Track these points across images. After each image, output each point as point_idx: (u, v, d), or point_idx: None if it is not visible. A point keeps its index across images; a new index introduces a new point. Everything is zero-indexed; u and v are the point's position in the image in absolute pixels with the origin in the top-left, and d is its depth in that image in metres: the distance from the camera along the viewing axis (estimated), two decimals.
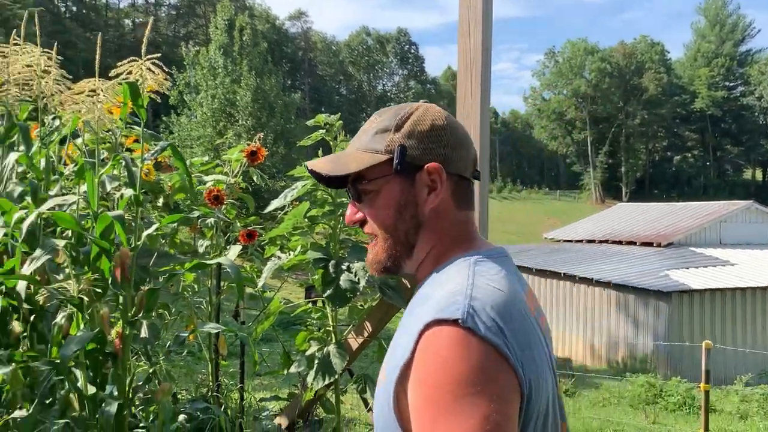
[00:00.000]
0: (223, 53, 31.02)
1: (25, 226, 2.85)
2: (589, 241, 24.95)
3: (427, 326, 0.92)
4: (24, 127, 3.47)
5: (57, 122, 3.54)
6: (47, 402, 3.01)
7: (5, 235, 3.03)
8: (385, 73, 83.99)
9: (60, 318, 2.81)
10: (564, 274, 19.10)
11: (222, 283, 4.24)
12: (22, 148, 3.62)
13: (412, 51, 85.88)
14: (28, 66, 3.43)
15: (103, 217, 2.77)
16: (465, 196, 1.13)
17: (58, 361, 2.64)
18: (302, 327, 4.07)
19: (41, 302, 2.97)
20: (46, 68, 3.28)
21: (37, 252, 2.87)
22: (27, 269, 2.74)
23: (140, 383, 2.94)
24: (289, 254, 3.69)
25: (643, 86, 78.02)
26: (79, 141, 4.30)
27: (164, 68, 2.99)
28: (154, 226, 2.88)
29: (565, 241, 26.53)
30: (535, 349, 0.95)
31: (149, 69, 2.89)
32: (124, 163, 3.01)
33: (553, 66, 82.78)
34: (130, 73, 2.94)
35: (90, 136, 3.88)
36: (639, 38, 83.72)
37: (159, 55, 2.97)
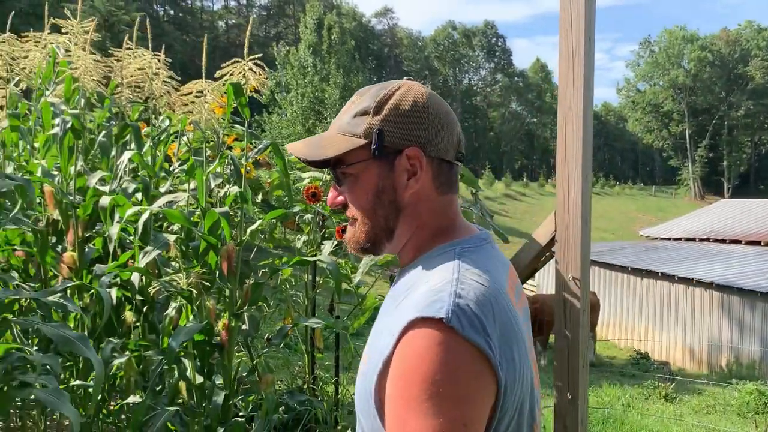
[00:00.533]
0: (312, 52, 31.71)
1: (141, 222, 3.00)
2: (689, 240, 23.73)
3: (411, 324, 0.91)
4: (136, 127, 3.66)
5: (166, 122, 3.72)
6: (158, 389, 3.16)
7: (122, 230, 3.21)
8: (472, 67, 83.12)
9: (171, 310, 2.94)
10: (661, 273, 18.24)
11: (318, 278, 4.32)
12: (133, 146, 3.83)
13: (499, 44, 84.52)
14: (139, 69, 3.61)
15: (211, 214, 2.87)
16: (447, 180, 1.10)
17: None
18: None
19: (152, 294, 3.13)
20: (157, 70, 3.45)
21: (150, 246, 3.02)
22: (141, 262, 2.89)
23: (244, 374, 3.04)
24: None
25: (749, 75, 73.43)
26: (184, 139, 4.49)
27: (265, 68, 3.07)
28: (257, 222, 2.96)
29: (662, 239, 25.36)
30: (515, 345, 0.94)
31: (251, 69, 2.97)
32: (229, 162, 3.11)
33: (649, 56, 79.22)
34: (231, 74, 3.03)
35: (195, 135, 4.05)
36: (744, 24, 78.80)
37: (260, 55, 3.05)
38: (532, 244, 3.48)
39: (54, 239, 3.49)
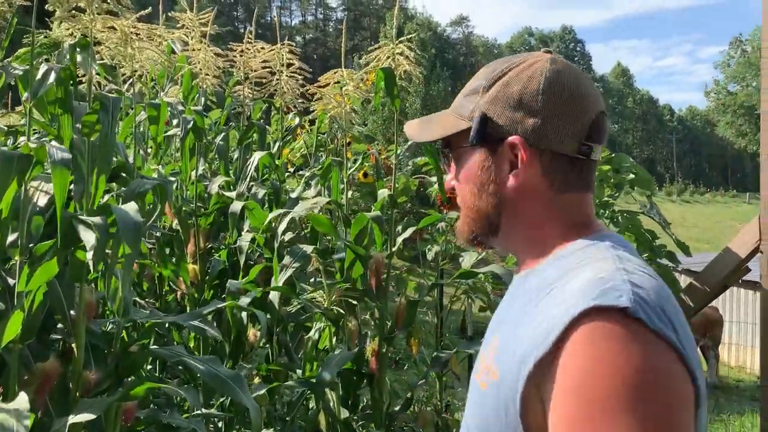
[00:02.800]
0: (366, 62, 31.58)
1: (280, 230, 2.63)
2: None
3: (584, 314, 0.74)
4: (262, 127, 3.33)
5: (297, 120, 3.39)
6: (287, 419, 2.78)
7: (252, 241, 2.87)
8: None
9: (314, 332, 2.55)
10: None
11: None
12: (252, 146, 3.52)
13: (578, 49, 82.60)
14: (264, 62, 3.29)
15: (359, 219, 2.47)
16: (566, 176, 0.93)
17: (314, 380, 2.37)
18: None
19: (283, 313, 2.76)
20: (289, 60, 3.10)
21: (287, 259, 2.66)
22: (279, 279, 2.52)
23: (395, 408, 2.61)
24: None
25: None
26: (301, 141, 4.15)
27: (416, 50, 2.65)
28: (410, 230, 2.55)
29: None
30: (694, 349, 0.79)
31: (401, 54, 2.57)
32: (370, 162, 2.71)
33: (740, 56, 75.26)
34: (378, 59, 2.64)
35: (314, 134, 3.70)
36: None
37: (414, 34, 2.64)
38: (727, 255, 2.91)
39: (168, 250, 3.18)
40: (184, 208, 3.00)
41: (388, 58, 2.52)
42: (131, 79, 3.38)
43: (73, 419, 1.68)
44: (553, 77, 0.93)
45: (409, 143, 2.70)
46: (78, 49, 1.95)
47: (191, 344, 3.02)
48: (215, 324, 2.60)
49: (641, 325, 0.73)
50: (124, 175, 2.06)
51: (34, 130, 2.35)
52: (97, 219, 1.56)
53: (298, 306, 2.56)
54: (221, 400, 2.57)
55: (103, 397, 1.77)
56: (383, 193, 2.56)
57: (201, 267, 3.06)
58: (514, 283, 1.02)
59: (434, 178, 3.65)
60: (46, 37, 2.45)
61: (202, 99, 3.28)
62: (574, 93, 0.93)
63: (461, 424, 1.00)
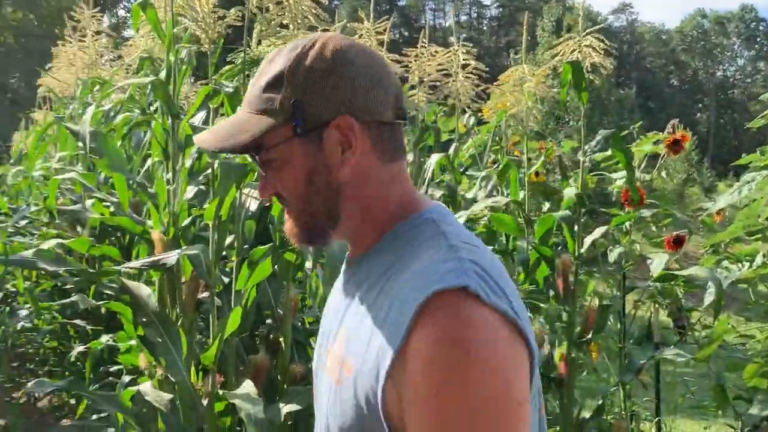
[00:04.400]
0: (551, 56, 30.65)
1: None
2: None
3: (427, 300, 0.75)
4: (436, 129, 3.37)
5: (472, 120, 3.39)
6: None
7: None
8: (726, 57, 74.52)
9: None
10: None
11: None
12: (408, 150, 3.57)
13: (761, 28, 74.73)
14: (439, 65, 3.33)
15: (546, 219, 2.41)
16: (391, 145, 0.90)
17: None
18: (743, 356, 3.22)
19: None
20: (464, 61, 3.12)
21: None
22: None
23: (585, 416, 2.52)
24: (743, 265, 2.92)
25: None
26: (466, 145, 4.14)
27: (605, 41, 2.53)
28: (599, 230, 2.44)
29: None
30: (526, 313, 0.83)
31: (589, 46, 2.47)
32: (554, 159, 2.64)
33: None
34: (563, 53, 2.56)
35: (486, 131, 3.68)
36: None
37: (602, 26, 2.54)
38: None
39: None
40: None
41: (574, 51, 2.44)
42: None
43: (284, 408, 1.79)
44: (355, 49, 0.90)
45: (598, 137, 2.58)
46: None
47: None
48: None
49: (479, 301, 0.76)
50: None
51: None
52: None
53: None
54: None
55: (307, 388, 1.88)
56: (570, 192, 2.48)
57: None
58: (346, 269, 0.98)
59: (617, 174, 3.47)
60: (246, 54, 2.66)
61: None
62: (377, 61, 0.91)
63: (316, 424, 0.96)
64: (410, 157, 3.66)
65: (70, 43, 4.42)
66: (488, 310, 0.76)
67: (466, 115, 3.45)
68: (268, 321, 2.18)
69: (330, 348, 0.91)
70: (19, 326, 3.58)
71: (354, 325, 0.87)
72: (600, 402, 2.55)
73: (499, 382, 0.75)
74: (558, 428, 2.61)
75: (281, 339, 2.04)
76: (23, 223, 4.36)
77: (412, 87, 3.57)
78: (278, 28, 2.03)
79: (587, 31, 2.47)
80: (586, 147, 2.54)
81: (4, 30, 20.29)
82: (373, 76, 0.89)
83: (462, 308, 0.76)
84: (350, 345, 0.86)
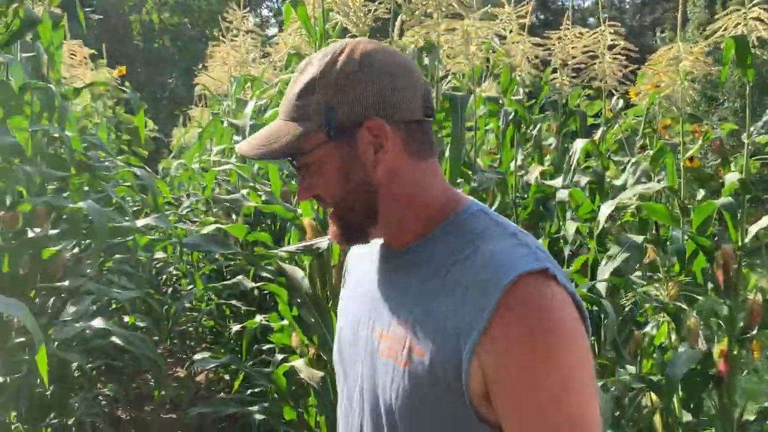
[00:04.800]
0: (700, 32, 28.41)
1: (602, 218, 2.56)
2: None
3: (513, 282, 0.82)
4: (582, 113, 3.25)
5: (620, 103, 3.25)
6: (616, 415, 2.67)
7: (577, 231, 2.83)
8: None
9: (650, 327, 2.42)
10: None
11: None
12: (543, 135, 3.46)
13: None
14: (585, 47, 3.20)
15: (704, 207, 2.25)
16: (421, 143, 0.94)
17: (653, 378, 2.24)
18: None
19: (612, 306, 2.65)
20: (612, 42, 2.98)
21: (614, 249, 2.56)
22: (605, 270, 2.44)
23: (749, 418, 2.34)
24: None
25: None
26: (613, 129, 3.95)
27: None
28: (766, 219, 2.25)
29: None
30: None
31: (757, 18, 2.27)
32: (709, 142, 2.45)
33: None
34: (725, 28, 2.37)
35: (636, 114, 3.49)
36: None
37: None
38: None
39: None
40: (505, 199, 3.07)
41: (738, 24, 2.25)
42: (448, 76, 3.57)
43: None
44: (382, 52, 0.93)
45: (766, 118, 2.37)
46: (424, 53, 2.10)
47: None
48: None
49: (556, 281, 0.84)
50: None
51: None
52: None
53: (632, 299, 2.44)
54: None
55: None
56: (732, 177, 2.30)
57: None
58: (388, 258, 1.00)
59: None
60: (391, 45, 2.72)
61: (521, 90, 3.32)
62: (403, 62, 0.94)
63: (351, 408, 1.00)
64: (552, 142, 3.57)
65: (224, 42, 4.73)
66: (563, 291, 0.84)
67: (614, 98, 3.30)
68: None
69: (382, 332, 0.94)
70: (182, 306, 3.91)
71: (419, 309, 0.90)
72: (766, 404, 2.35)
73: (580, 360, 0.83)
74: (714, 430, 2.45)
75: None
76: (185, 211, 4.76)
77: (554, 70, 3.47)
78: (422, 17, 2.05)
79: (754, 2, 2.26)
80: (752, 129, 2.34)
81: (162, 34, 22.12)
82: (400, 77, 0.92)
83: (546, 289, 0.83)
84: (417, 328, 0.89)
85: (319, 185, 0.95)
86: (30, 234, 2.10)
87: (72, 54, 4.23)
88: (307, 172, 0.95)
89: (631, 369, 2.53)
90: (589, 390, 0.84)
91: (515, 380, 0.82)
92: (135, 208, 3.98)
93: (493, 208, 2.09)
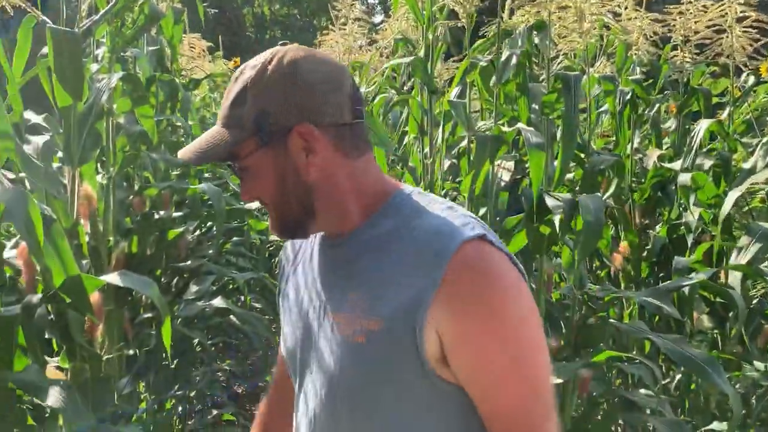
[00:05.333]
0: None
1: (727, 205, 2.39)
2: None
3: (458, 249, 0.89)
4: (706, 92, 3.04)
5: (750, 80, 3.02)
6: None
7: (699, 218, 2.67)
8: None
9: None
10: None
11: None
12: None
13: None
14: (709, 21, 2.99)
15: None
16: (353, 143, 0.99)
17: None
18: None
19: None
20: (741, 15, 2.76)
21: (744, 239, 2.40)
22: (737, 258, 2.28)
23: None
24: None
25: None
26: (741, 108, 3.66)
27: None
28: None
29: None
30: None
31: None
32: None
33: None
34: None
35: None
36: None
37: None
38: None
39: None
40: (622, 184, 2.94)
41: None
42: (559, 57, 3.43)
43: None
44: (308, 58, 0.97)
45: None
46: (535, 32, 2.04)
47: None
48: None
49: (494, 246, 0.91)
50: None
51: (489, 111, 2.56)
52: (567, 196, 1.62)
53: (761, 290, 2.27)
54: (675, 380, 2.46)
55: (564, 363, 1.85)
56: None
57: (637, 243, 2.96)
58: (329, 248, 1.04)
59: None
60: (497, 26, 2.66)
61: (637, 69, 3.15)
62: (329, 68, 0.98)
63: (303, 390, 1.03)
64: (672, 124, 3.36)
65: (333, 31, 4.81)
66: (501, 253, 0.92)
67: (742, 75, 3.06)
68: None
69: (334, 316, 0.98)
70: None
71: (372, 287, 0.95)
72: None
73: (526, 311, 0.91)
74: None
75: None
76: None
77: (675, 47, 3.26)
78: None
79: None
80: None
81: (273, 25, 22.91)
82: (327, 82, 0.97)
83: (487, 253, 0.90)
84: (369, 303, 0.94)
85: (257, 188, 1.00)
86: (156, 216, 2.26)
87: (191, 46, 4.47)
88: (245, 175, 1.00)
89: (760, 365, 2.36)
90: (539, 335, 0.93)
91: (473, 340, 0.89)
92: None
93: (609, 193, 2.00)
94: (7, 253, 1.56)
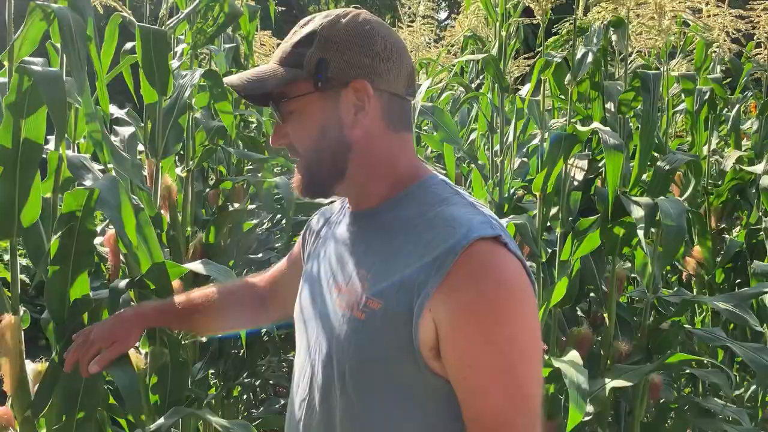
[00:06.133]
0: None
1: None
2: None
3: (469, 245, 0.88)
4: None
5: None
6: None
7: None
8: None
9: None
10: None
11: None
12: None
13: None
14: None
15: None
16: (399, 116, 1.01)
17: None
18: None
19: None
20: None
21: None
22: None
23: None
24: None
25: None
26: None
27: None
28: None
29: None
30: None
31: None
32: None
33: None
34: None
35: None
36: None
37: None
38: None
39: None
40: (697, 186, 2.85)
41: None
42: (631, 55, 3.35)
43: (610, 383, 1.76)
44: (381, 26, 0.99)
45: None
46: (612, 29, 2.00)
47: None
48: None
49: (508, 249, 0.91)
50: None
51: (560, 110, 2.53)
52: (647, 200, 1.58)
53: None
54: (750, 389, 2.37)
55: (635, 366, 1.81)
56: None
57: (711, 247, 2.87)
58: (353, 220, 1.04)
59: None
60: (572, 23, 2.61)
61: (717, 68, 3.05)
62: (397, 40, 1.00)
63: (307, 357, 1.02)
64: (753, 125, 3.23)
65: (401, 28, 4.83)
66: (514, 257, 0.92)
67: None
68: (591, 295, 2.15)
69: (341, 287, 0.98)
70: None
71: (378, 267, 0.95)
72: None
73: (527, 319, 0.91)
74: None
75: (605, 314, 2.00)
76: None
77: (758, 45, 3.13)
78: None
79: None
80: None
81: None
82: (393, 51, 0.98)
83: (499, 254, 0.90)
84: (375, 281, 0.94)
85: (295, 134, 1.00)
86: (230, 208, 2.33)
87: (262, 44, 4.57)
88: (288, 118, 1.00)
89: None
90: (535, 347, 0.92)
91: (465, 335, 0.88)
92: None
93: (685, 195, 1.95)
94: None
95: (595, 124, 1.78)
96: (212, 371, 2.70)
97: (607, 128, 1.75)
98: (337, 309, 0.98)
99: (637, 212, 1.60)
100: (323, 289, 1.04)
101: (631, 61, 3.33)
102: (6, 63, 1.42)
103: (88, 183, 1.40)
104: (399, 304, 0.90)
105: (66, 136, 1.50)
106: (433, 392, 0.91)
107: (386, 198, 1.01)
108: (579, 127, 1.78)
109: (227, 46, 2.71)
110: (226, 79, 1.05)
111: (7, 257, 2.31)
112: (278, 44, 4.21)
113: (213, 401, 2.58)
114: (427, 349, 0.90)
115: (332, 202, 1.19)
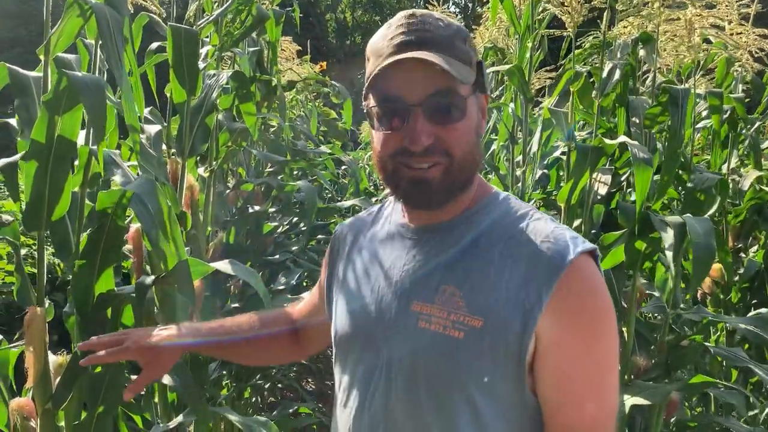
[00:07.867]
0: None
1: None
2: None
3: (573, 259, 0.88)
4: None
5: None
6: None
7: None
8: None
9: None
10: None
11: None
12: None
13: None
14: None
15: None
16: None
17: None
18: None
19: None
20: None
21: None
22: None
23: None
24: None
25: None
26: None
27: None
28: None
29: None
30: None
31: None
32: None
33: None
34: None
35: None
36: None
37: None
38: None
39: None
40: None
41: None
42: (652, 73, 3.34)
43: (630, 400, 1.74)
44: None
45: None
46: (640, 44, 2.00)
47: None
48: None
49: (598, 261, 0.94)
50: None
51: (582, 122, 2.52)
52: (674, 218, 1.58)
53: None
54: (765, 411, 2.35)
55: (655, 384, 1.79)
56: None
57: (728, 266, 2.85)
58: (415, 235, 1.00)
59: None
60: (595, 37, 2.62)
61: (740, 86, 3.04)
62: None
63: (370, 384, 0.96)
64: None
65: None
66: (599, 268, 0.94)
67: None
68: None
69: (423, 306, 0.94)
70: None
71: (472, 281, 0.92)
72: None
73: (616, 333, 0.92)
74: None
75: (624, 329, 1.99)
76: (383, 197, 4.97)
77: None
78: (640, 6, 1.95)
79: None
80: None
81: (355, 30, 23.23)
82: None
83: (595, 269, 0.92)
84: (472, 300, 0.91)
85: (454, 132, 0.91)
86: (250, 210, 2.33)
87: (282, 49, 4.60)
88: (447, 116, 0.91)
89: None
90: (617, 361, 0.95)
91: (569, 345, 0.88)
92: (328, 195, 4.24)
93: (709, 213, 1.93)
94: None
95: (623, 138, 1.77)
96: (224, 372, 2.71)
97: (636, 142, 1.75)
98: (418, 327, 0.94)
99: (667, 233, 1.59)
100: (389, 309, 0.98)
101: (652, 78, 3.33)
102: (42, 57, 1.43)
103: (117, 179, 1.41)
104: (505, 321, 0.89)
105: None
106: (523, 408, 0.92)
107: (465, 209, 0.98)
108: (606, 140, 1.78)
109: (251, 49, 2.73)
110: (422, 53, 0.88)
111: (24, 252, 2.32)
112: (298, 51, 4.20)
113: (224, 402, 2.57)
114: (527, 364, 0.90)
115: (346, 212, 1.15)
